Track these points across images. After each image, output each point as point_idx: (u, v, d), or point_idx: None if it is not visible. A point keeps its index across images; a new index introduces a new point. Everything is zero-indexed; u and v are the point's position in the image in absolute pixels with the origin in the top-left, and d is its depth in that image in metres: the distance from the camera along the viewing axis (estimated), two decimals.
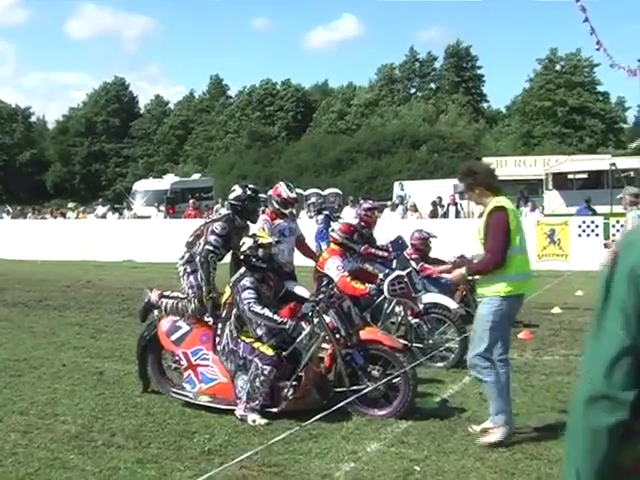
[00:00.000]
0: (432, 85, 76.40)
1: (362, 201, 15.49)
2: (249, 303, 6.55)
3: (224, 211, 8.18)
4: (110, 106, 79.70)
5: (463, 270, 6.19)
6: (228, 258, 7.85)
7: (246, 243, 6.92)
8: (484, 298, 5.86)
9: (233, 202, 7.66)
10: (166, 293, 7.40)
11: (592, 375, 1.89)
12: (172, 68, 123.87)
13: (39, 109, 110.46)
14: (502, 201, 5.88)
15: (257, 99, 74.62)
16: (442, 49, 74.82)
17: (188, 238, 7.68)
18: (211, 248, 7.34)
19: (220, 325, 6.85)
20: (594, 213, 21.11)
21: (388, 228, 13.95)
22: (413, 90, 77.17)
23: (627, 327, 1.83)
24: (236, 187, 7.81)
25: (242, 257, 6.94)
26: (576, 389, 1.96)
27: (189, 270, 7.44)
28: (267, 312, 6.51)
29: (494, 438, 5.67)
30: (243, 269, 6.88)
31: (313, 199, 29.50)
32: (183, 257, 7.57)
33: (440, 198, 25.08)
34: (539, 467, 5.27)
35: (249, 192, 7.68)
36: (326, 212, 12.37)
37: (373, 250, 9.73)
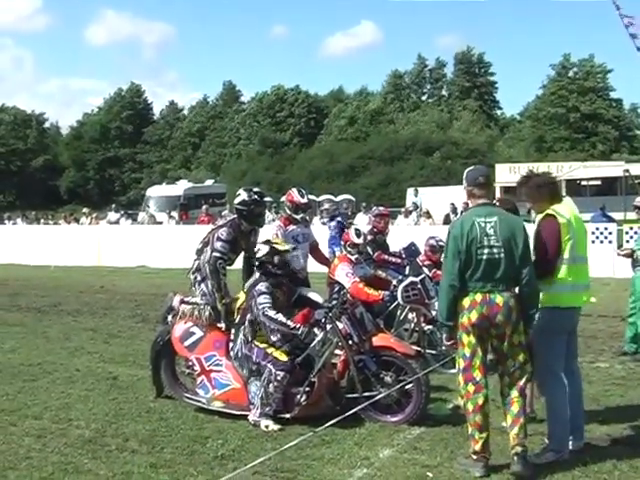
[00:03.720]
0: (443, 92, 76.27)
1: (374, 208, 15.48)
2: (263, 307, 6.57)
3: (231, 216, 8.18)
4: (124, 112, 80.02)
5: None
6: (239, 263, 7.88)
7: (262, 249, 6.95)
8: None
9: (238, 207, 7.66)
10: (186, 299, 7.42)
11: (446, 275, 5.39)
12: (190, 75, 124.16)
13: (56, 115, 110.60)
14: (557, 209, 5.58)
15: (268, 105, 74.61)
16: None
17: (197, 245, 7.71)
18: (218, 255, 7.34)
19: (234, 330, 6.88)
20: (610, 220, 20.88)
21: (401, 234, 13.94)
22: (424, 97, 77.06)
23: (454, 253, 5.34)
24: (241, 191, 7.81)
25: (257, 263, 6.96)
26: (442, 280, 5.52)
27: (199, 278, 7.45)
28: (281, 317, 6.53)
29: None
30: (258, 274, 6.91)
31: (326, 205, 29.46)
32: (193, 265, 7.60)
33: (454, 204, 24.98)
34: (552, 473, 5.25)
35: (254, 196, 7.67)
36: (338, 218, 12.35)
37: (386, 256, 9.73)
